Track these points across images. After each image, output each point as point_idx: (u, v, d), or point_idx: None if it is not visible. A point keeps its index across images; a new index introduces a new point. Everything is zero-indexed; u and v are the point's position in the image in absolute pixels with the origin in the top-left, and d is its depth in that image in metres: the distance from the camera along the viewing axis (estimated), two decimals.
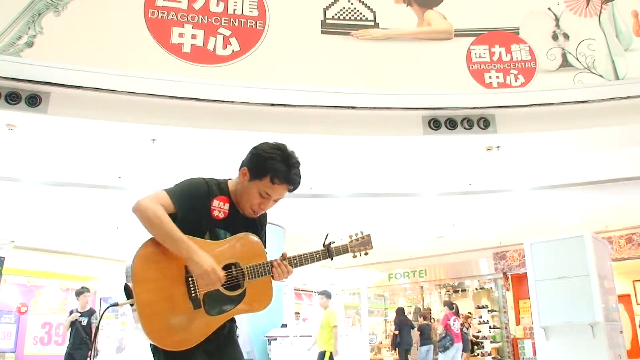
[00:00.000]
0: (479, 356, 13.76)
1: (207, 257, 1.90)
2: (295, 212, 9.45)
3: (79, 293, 7.67)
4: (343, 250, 2.28)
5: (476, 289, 15.49)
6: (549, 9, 6.71)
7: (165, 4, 5.98)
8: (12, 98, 5.32)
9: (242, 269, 2.04)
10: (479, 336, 14.02)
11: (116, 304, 2.04)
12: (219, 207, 2.06)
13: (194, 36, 5.93)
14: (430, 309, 15.93)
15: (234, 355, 2.12)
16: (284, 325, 9.80)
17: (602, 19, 6.65)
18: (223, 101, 5.82)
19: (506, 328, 13.94)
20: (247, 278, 2.03)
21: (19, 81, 5.29)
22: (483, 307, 14.53)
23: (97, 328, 7.42)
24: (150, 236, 1.95)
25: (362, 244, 2.34)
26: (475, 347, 13.87)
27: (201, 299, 1.94)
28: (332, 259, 2.26)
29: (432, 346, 10.72)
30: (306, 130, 6.18)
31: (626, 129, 6.34)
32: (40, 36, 5.45)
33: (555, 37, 6.60)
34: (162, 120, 5.82)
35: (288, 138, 6.29)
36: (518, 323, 13.93)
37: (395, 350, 11.05)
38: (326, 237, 2.27)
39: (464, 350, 10.35)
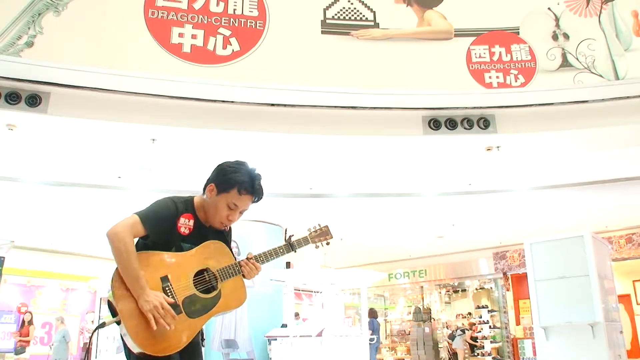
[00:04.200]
0: (479, 356, 13.75)
1: (156, 295, 2.02)
2: (295, 212, 9.43)
3: None
4: (304, 242, 2.45)
5: (476, 289, 15.50)
6: (549, 9, 6.71)
7: (165, 4, 5.98)
8: (12, 98, 5.32)
9: (213, 273, 2.19)
10: (477, 337, 14.00)
11: (103, 324, 2.11)
12: (185, 224, 2.21)
13: (194, 36, 5.93)
14: (430, 309, 15.94)
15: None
16: (284, 326, 9.78)
17: (602, 19, 6.65)
18: (223, 101, 5.82)
19: (506, 328, 13.93)
20: (219, 280, 2.19)
21: (19, 81, 5.29)
22: (483, 307, 14.51)
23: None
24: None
25: (322, 234, 2.49)
26: (475, 348, 13.87)
27: (180, 304, 2.07)
28: (295, 252, 2.40)
29: None
30: (306, 130, 6.17)
31: (626, 129, 6.33)
32: (40, 36, 5.45)
33: (555, 37, 6.60)
34: (162, 120, 5.82)
35: (288, 138, 6.31)
36: (518, 323, 13.92)
37: None
38: (285, 232, 2.38)
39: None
